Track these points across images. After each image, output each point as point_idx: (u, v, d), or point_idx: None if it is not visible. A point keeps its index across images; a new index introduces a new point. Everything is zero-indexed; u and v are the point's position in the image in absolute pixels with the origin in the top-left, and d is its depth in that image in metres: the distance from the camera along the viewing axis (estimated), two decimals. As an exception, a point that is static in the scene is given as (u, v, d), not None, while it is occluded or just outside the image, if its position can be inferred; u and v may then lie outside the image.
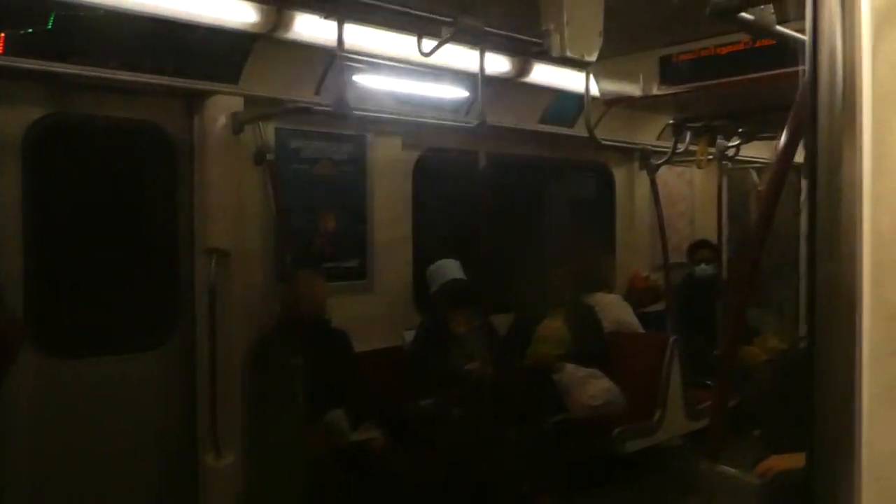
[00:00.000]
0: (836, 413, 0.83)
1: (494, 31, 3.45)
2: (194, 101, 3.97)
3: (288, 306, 4.23)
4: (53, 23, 3.26)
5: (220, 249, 3.92)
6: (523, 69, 4.73)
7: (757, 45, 3.79)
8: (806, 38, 0.85)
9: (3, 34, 3.23)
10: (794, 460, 3.16)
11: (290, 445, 3.87)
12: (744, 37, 3.73)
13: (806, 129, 0.85)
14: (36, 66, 3.31)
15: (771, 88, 3.88)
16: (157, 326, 4.02)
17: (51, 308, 3.64)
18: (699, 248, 6.63)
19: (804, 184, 6.64)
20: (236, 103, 3.99)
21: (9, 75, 3.32)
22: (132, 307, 3.91)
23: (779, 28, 2.21)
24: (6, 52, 3.24)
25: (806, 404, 0.85)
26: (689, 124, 5.16)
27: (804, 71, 2.51)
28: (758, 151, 6.60)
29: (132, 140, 3.98)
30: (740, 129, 5.42)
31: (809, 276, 0.82)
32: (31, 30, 3.30)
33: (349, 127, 4.54)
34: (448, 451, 4.24)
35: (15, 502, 3.44)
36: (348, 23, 3.37)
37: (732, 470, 2.92)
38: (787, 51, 3.62)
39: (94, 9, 3.22)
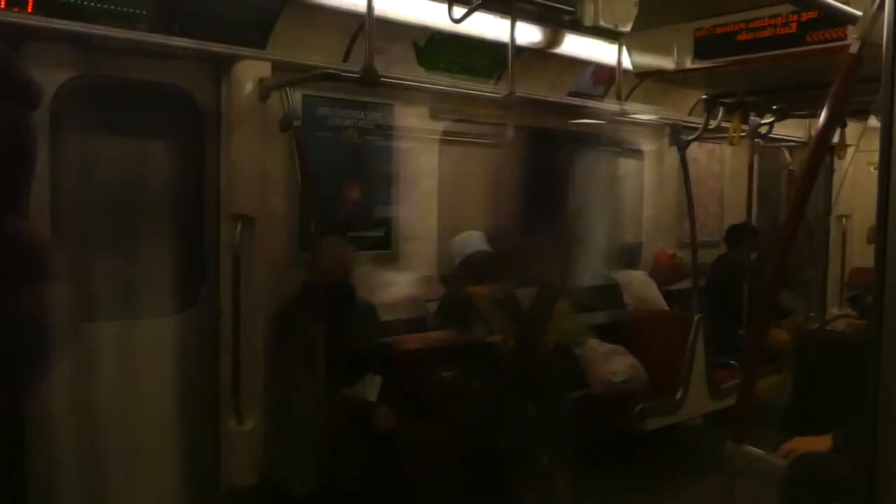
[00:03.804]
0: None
1: (526, -2, 3.38)
2: (222, 66, 3.95)
3: (313, 273, 4.22)
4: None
5: (245, 215, 3.93)
6: (555, 39, 4.65)
7: (796, 18, 3.69)
8: (886, 10, 0.80)
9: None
10: (817, 443, 3.12)
11: (310, 412, 3.88)
12: (784, 9, 3.62)
13: (881, 102, 0.81)
14: (64, 27, 3.29)
15: (809, 65, 3.78)
16: (182, 291, 4.03)
17: (77, 273, 3.65)
18: (753, 236, 6.14)
19: (838, 164, 6.53)
20: (264, 69, 3.96)
21: (37, 36, 3.31)
22: (157, 271, 3.92)
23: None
24: (35, 12, 3.24)
25: (866, 384, 0.81)
26: (721, 100, 5.04)
27: (850, 46, 2.41)
28: (790, 130, 6.45)
29: (160, 104, 3.95)
30: (774, 107, 5.30)
31: (878, 249, 0.79)
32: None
33: (376, 95, 4.49)
34: (468, 423, 4.23)
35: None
36: (378, -12, 3.32)
37: (757, 450, 2.89)
38: (830, 25, 3.51)
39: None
